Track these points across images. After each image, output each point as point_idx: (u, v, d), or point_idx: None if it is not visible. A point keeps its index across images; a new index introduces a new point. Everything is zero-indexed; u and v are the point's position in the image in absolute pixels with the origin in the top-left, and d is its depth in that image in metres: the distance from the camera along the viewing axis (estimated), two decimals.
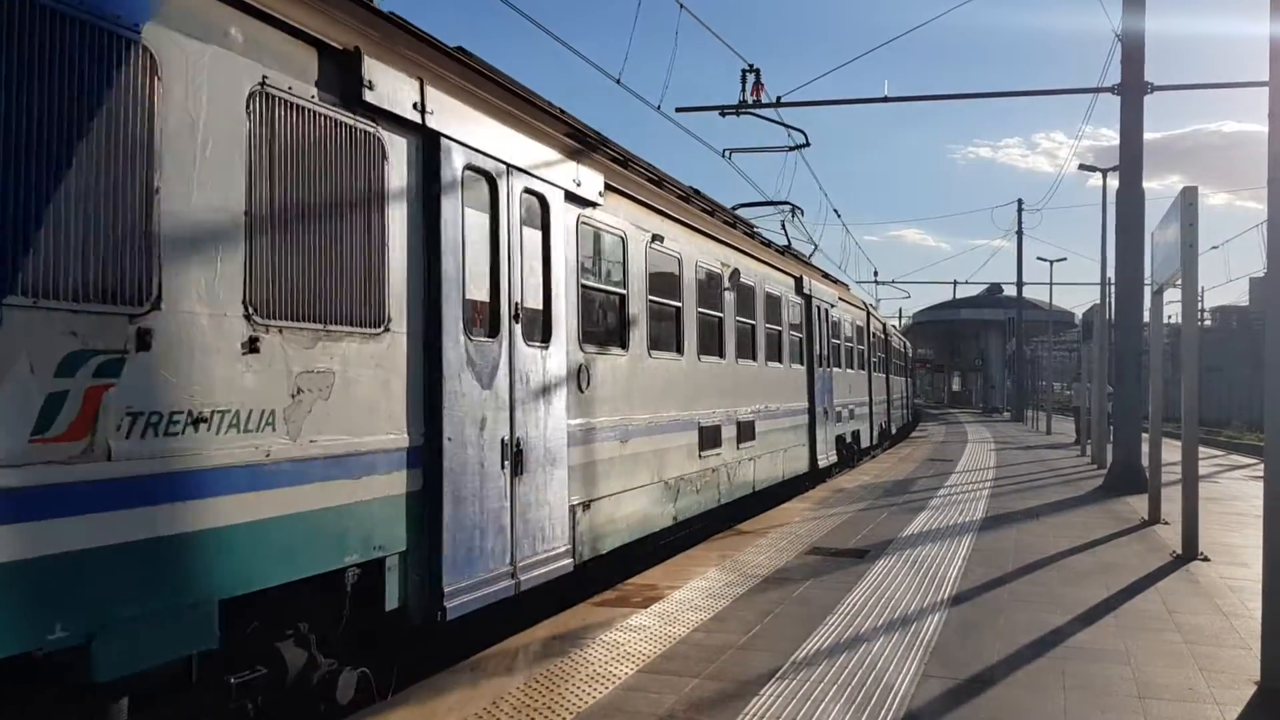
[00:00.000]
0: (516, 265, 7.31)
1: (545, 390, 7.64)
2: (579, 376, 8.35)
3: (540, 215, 7.79)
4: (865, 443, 24.98)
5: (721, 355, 12.63)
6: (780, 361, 15.75)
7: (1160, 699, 5.68)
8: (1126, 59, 17.39)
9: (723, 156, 20.76)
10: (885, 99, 20.30)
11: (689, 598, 8.14)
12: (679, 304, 11.13)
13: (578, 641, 6.76)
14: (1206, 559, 10.07)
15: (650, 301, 10.20)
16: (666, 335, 10.91)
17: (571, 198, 8.31)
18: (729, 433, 12.77)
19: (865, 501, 14.70)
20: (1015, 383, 55.06)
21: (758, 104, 19.69)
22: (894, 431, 34.12)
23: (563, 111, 9.28)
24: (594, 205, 8.73)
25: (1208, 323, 68.68)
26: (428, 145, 6.36)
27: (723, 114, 20.10)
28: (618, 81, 14.07)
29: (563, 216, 8.10)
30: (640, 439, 9.76)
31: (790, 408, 16.27)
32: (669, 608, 7.78)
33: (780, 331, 15.74)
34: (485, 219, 6.96)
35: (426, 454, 6.22)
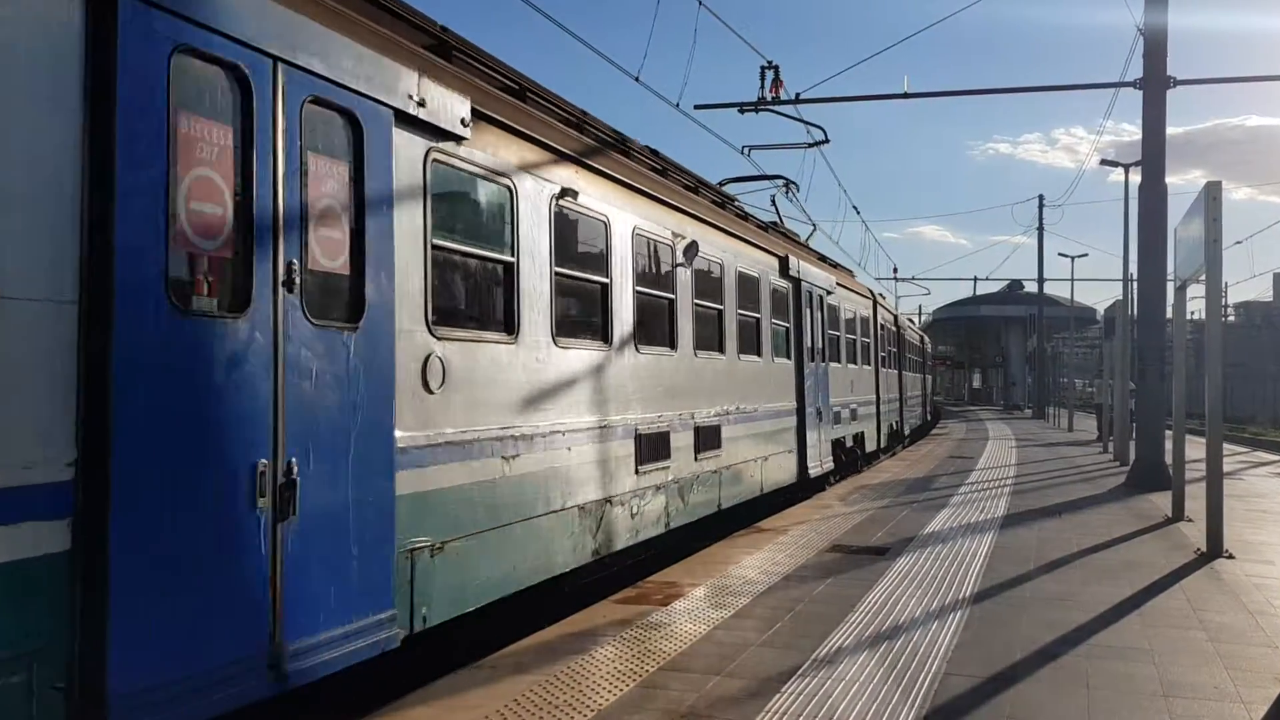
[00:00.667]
0: (292, 206, 5.12)
1: (350, 391, 5.38)
2: (425, 372, 6.12)
3: (348, 141, 5.53)
4: (871, 446, 22.81)
5: (673, 347, 10.45)
6: (758, 354, 13.56)
7: (1185, 697, 5.63)
8: (1148, 53, 17.25)
9: (742, 154, 20.73)
10: (905, 95, 20.22)
11: (709, 595, 8.13)
12: (605, 280, 8.89)
13: (598, 639, 6.77)
14: (1231, 556, 9.99)
15: (559, 275, 7.95)
16: (586, 320, 8.79)
17: (412, 124, 6.02)
18: (682, 440, 10.51)
19: (886, 499, 14.64)
20: (1036, 379, 54.76)
21: (777, 101, 19.64)
22: (907, 433, 31.68)
23: (423, 18, 7.25)
24: (455, 139, 6.47)
25: (1231, 318, 68.07)
26: (98, 7, 4.18)
27: (742, 111, 20.07)
28: (636, 79, 14.07)
29: (396, 148, 5.87)
30: (537, 455, 7.52)
31: (772, 408, 14.04)
32: (689, 605, 7.77)
33: (758, 319, 13.63)
34: (227, 134, 4.82)
35: (82, 493, 4.03)
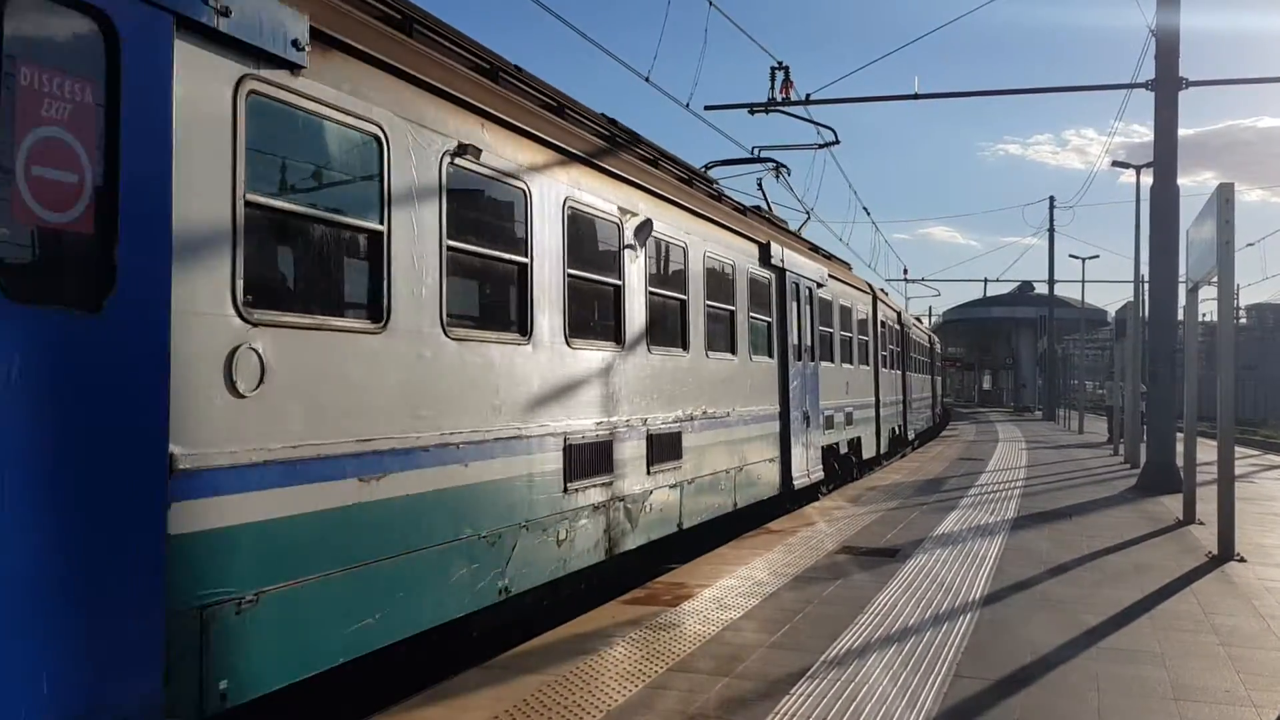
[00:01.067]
0: None
1: (82, 398, 4.00)
2: (231, 369, 4.71)
3: (97, 53, 4.15)
4: (869, 452, 21.22)
5: (620, 342, 8.92)
6: (731, 352, 12.02)
7: (1196, 701, 5.61)
8: (1161, 54, 17.21)
9: (752, 155, 20.69)
10: (915, 96, 20.19)
11: (719, 596, 8.13)
12: (523, 260, 7.36)
13: (607, 639, 6.77)
14: (1243, 560, 9.95)
15: (454, 251, 6.46)
16: (497, 307, 7.49)
17: (213, 39, 4.68)
18: (630, 450, 9.00)
19: (896, 500, 14.62)
20: (1047, 381, 54.59)
21: (787, 101, 19.62)
22: (912, 437, 30.00)
23: None
24: (287, 66, 5.12)
25: (1243, 321, 67.80)
26: None
27: (752, 112, 20.06)
28: (647, 80, 14.07)
29: (184, 68, 4.53)
30: (419, 473, 6.04)
31: (749, 412, 12.52)
32: (699, 606, 7.78)
33: (732, 312, 12.11)
34: None
35: None
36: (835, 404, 17.43)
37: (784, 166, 18.16)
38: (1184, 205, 16.98)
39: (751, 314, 12.83)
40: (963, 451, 25.66)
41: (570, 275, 8.02)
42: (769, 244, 13.60)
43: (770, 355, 13.69)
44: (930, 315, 78.50)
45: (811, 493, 15.55)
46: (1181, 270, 14.90)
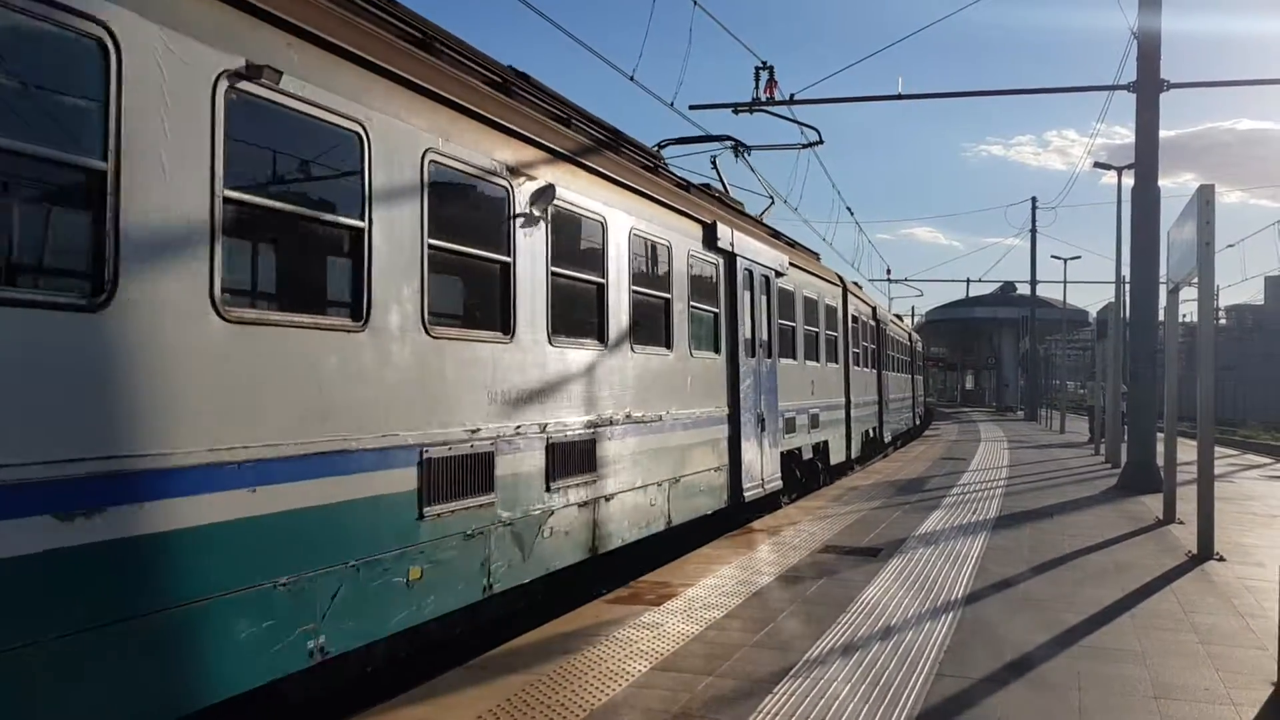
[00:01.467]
0: None
1: None
2: None
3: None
4: (838, 457, 19.38)
5: (508, 332, 7.28)
6: (665, 346, 10.33)
7: (1176, 699, 5.64)
8: (1142, 56, 17.32)
9: (736, 154, 20.69)
10: (899, 96, 20.24)
11: (702, 595, 8.13)
12: (358, 224, 5.74)
13: (591, 639, 6.76)
14: (1222, 559, 10.02)
15: (240, 206, 4.98)
16: (321, 284, 5.93)
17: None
18: (522, 464, 7.39)
19: (878, 500, 14.66)
20: (1029, 381, 54.88)
21: (771, 101, 19.64)
22: (889, 439, 28.06)
23: None
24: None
25: (1223, 321, 68.35)
26: None
27: (736, 111, 20.07)
28: (631, 79, 14.06)
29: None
30: (180, 500, 4.52)
31: (689, 415, 10.92)
32: (682, 605, 7.77)
33: (667, 301, 10.46)
34: None
35: None
36: (798, 405, 15.76)
37: (745, 146, 16.15)
38: (1165, 206, 17.13)
39: (693, 304, 11.18)
40: (945, 451, 25.76)
41: (432, 247, 6.41)
42: (715, 224, 11.86)
43: (717, 351, 12.00)
44: (913, 315, 78.82)
45: (771, 503, 14.17)
46: (1162, 271, 15.00)
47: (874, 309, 25.84)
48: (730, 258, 12.45)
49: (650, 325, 10.04)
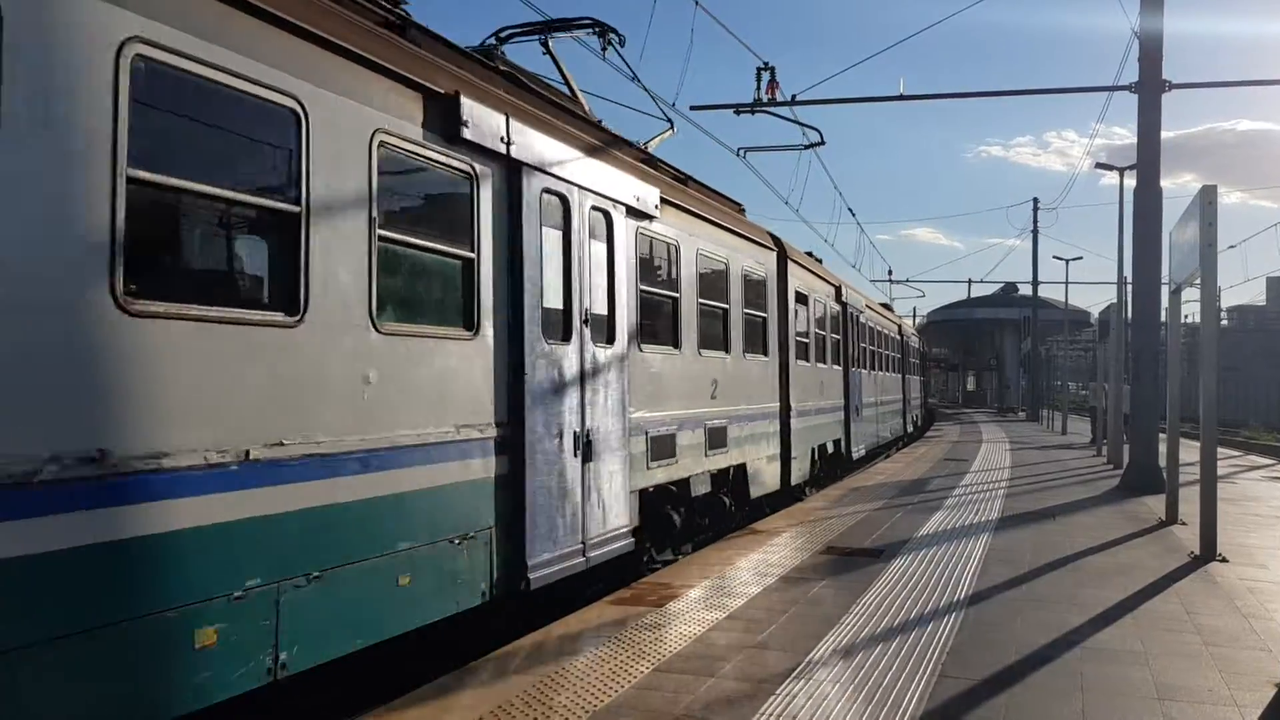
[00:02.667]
0: None
1: None
2: None
3: None
4: (769, 484, 14.14)
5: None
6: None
7: (1179, 701, 5.63)
8: (1144, 57, 17.30)
9: (737, 155, 20.71)
10: (901, 97, 20.24)
11: (704, 596, 8.12)
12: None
13: (593, 640, 6.76)
14: (1225, 560, 10.00)
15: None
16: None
17: None
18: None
19: (880, 500, 14.65)
20: (1030, 382, 54.84)
21: (772, 102, 19.64)
22: (860, 455, 22.32)
23: None
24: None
25: (1225, 322, 68.31)
26: None
27: (737, 112, 20.06)
28: (633, 79, 14.02)
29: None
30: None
31: (397, 445, 6.12)
32: (684, 606, 7.77)
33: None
34: None
35: None
36: (684, 414, 10.76)
37: (616, 33, 11.32)
38: (1166, 207, 17.10)
39: (396, 235, 6.17)
40: (947, 452, 25.74)
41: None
42: (457, 100, 6.73)
43: (471, 329, 6.91)
44: (915, 316, 78.75)
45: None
46: (1165, 272, 14.99)
47: (837, 288, 20.46)
48: (506, 168, 7.40)
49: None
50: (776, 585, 8.61)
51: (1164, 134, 17.50)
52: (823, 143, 20.35)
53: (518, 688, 5.71)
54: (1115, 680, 5.98)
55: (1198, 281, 10.28)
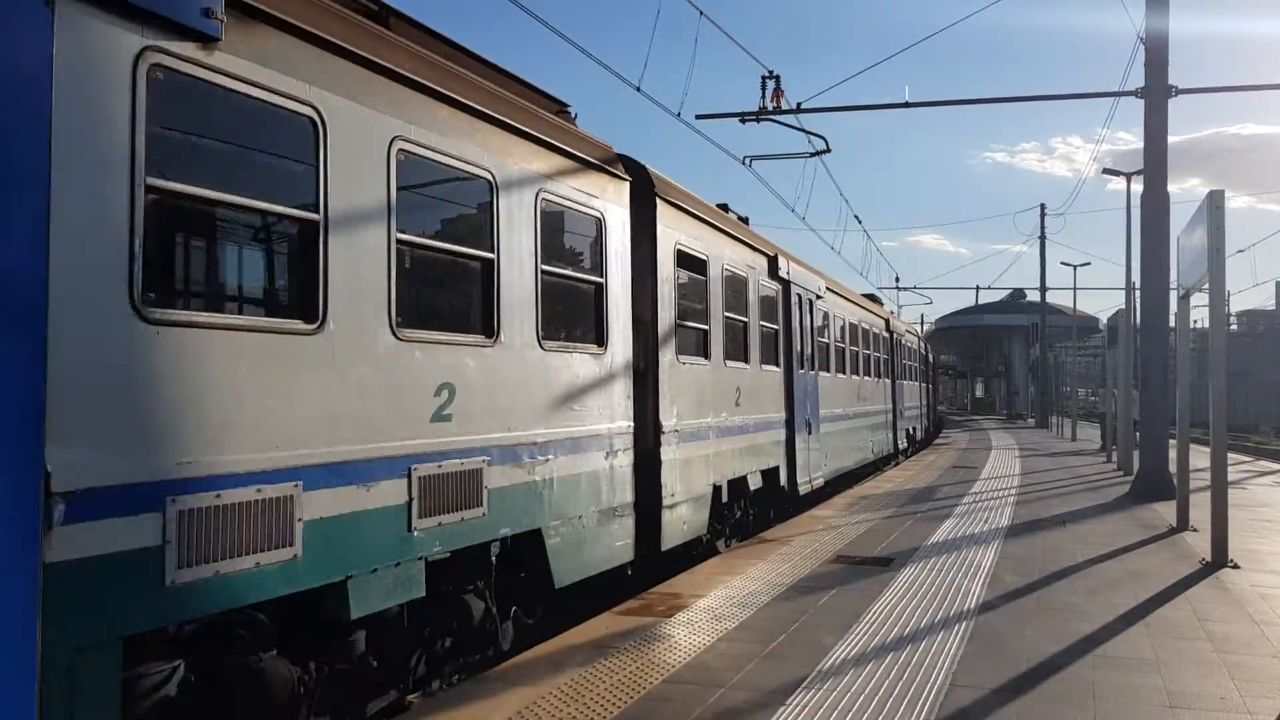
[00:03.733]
0: None
1: None
2: None
3: None
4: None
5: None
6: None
7: (1192, 708, 5.60)
8: (1150, 62, 17.29)
9: (743, 164, 20.72)
10: (906, 104, 20.26)
11: (714, 606, 8.10)
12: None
13: (603, 650, 6.74)
14: (1236, 566, 9.95)
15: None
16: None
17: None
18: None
19: (890, 509, 14.61)
20: (1039, 389, 54.72)
21: (778, 110, 19.65)
22: (814, 488, 16.33)
23: None
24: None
25: (1234, 327, 68.07)
26: None
27: (743, 120, 20.07)
28: (638, 89, 14.08)
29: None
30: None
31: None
32: (694, 616, 7.75)
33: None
34: None
35: None
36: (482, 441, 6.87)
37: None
38: (1173, 212, 17.07)
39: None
40: (956, 460, 25.68)
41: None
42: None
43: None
44: (922, 323, 78.68)
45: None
46: (1173, 277, 14.95)
47: (772, 259, 14.54)
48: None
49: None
50: (786, 594, 8.59)
51: (1170, 139, 17.49)
52: (828, 150, 20.37)
53: (526, 699, 5.70)
54: (1127, 688, 5.94)
55: (1206, 286, 10.25)
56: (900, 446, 29.08)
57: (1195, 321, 44.03)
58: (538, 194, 7.66)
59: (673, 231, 10.48)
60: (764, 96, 19.60)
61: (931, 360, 49.60)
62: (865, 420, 22.77)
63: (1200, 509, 11.81)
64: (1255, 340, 69.30)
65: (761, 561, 10.17)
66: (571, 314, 8.45)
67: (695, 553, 11.08)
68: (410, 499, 5.98)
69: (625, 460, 9.18)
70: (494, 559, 7.24)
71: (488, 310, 7.02)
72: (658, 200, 10.06)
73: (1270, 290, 78.18)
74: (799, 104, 19.90)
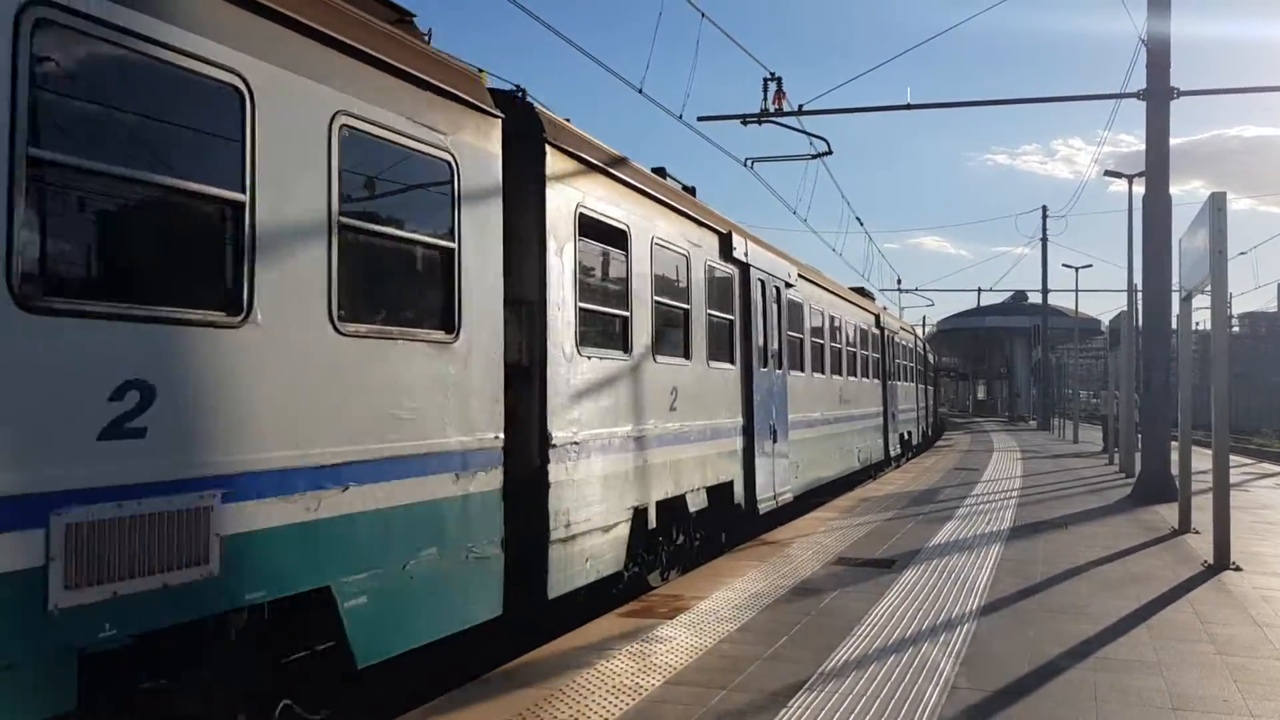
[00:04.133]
0: None
1: None
2: None
3: None
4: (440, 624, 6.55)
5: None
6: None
7: (1194, 711, 5.60)
8: (1152, 64, 17.27)
9: (745, 166, 20.71)
10: (908, 106, 20.24)
11: (715, 608, 8.10)
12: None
13: (604, 653, 6.74)
14: (1238, 568, 9.94)
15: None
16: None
17: None
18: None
19: (891, 511, 14.60)
20: (1041, 391, 54.68)
21: (780, 112, 19.62)
22: (778, 504, 14.00)
23: None
24: None
25: (1236, 329, 68.03)
26: None
27: (744, 123, 20.05)
28: (639, 91, 14.07)
29: None
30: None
31: None
32: (695, 618, 7.75)
33: None
34: None
35: None
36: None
37: None
38: (1175, 214, 17.04)
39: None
40: (958, 462, 25.66)
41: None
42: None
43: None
44: (924, 325, 78.68)
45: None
46: (1175, 279, 14.94)
47: (724, 236, 12.39)
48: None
49: None
50: (788, 596, 8.59)
51: (1171, 141, 17.47)
52: (830, 152, 20.35)
53: (529, 700, 5.69)
54: (1129, 691, 5.94)
55: (1208, 288, 10.25)
56: (893, 452, 26.42)
57: (1197, 324, 44.00)
58: (333, 119, 5.50)
59: (572, 190, 8.28)
60: (766, 98, 19.57)
61: (932, 361, 49.50)
62: (849, 425, 20.53)
63: (1202, 511, 11.80)
64: (1257, 342, 69.32)
65: (763, 563, 10.16)
66: (399, 288, 6.35)
67: (616, 590, 9.00)
68: (48, 560, 3.91)
69: (489, 482, 6.87)
70: (234, 636, 5.00)
71: (233, 276, 4.88)
72: (548, 148, 7.82)
73: (1272, 292, 78.30)
74: (801, 106, 19.88)
